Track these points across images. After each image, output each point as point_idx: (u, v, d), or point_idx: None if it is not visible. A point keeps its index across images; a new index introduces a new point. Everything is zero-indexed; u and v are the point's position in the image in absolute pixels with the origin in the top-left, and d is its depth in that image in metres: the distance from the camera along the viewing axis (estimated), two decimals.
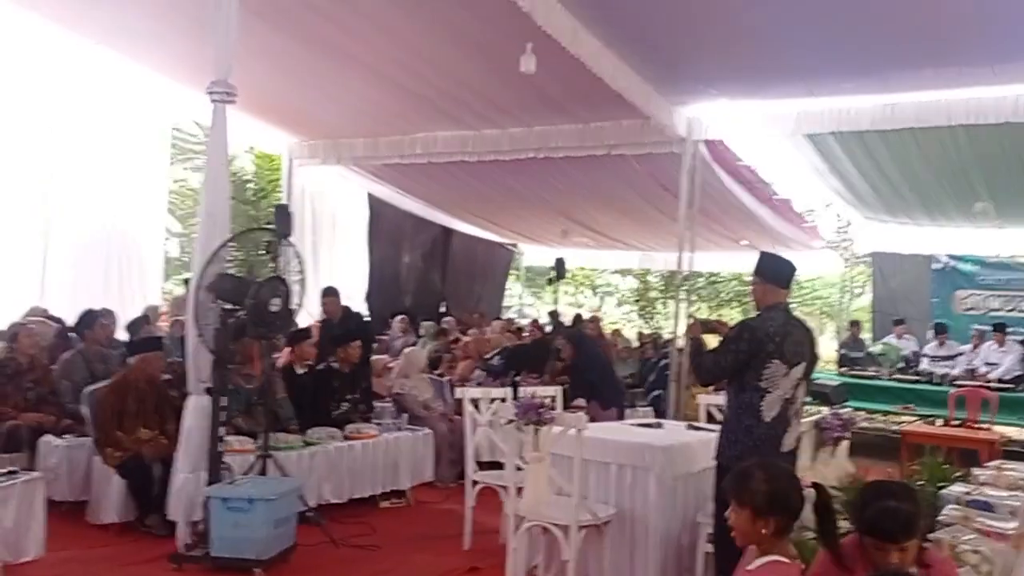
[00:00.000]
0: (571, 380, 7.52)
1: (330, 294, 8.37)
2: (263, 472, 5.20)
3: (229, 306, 4.82)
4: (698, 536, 4.54)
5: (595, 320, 9.60)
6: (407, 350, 7.94)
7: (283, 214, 5.46)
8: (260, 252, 5.30)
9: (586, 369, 7.39)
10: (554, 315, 9.91)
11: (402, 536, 5.64)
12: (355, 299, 12.07)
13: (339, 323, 7.86)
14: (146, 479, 5.19)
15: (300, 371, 6.58)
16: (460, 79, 7.92)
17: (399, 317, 11.60)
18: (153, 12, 7.02)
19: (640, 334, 13.13)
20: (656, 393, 9.49)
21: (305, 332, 7.01)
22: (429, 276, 14.22)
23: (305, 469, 5.63)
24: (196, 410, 4.78)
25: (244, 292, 4.89)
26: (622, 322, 20.37)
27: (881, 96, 7.41)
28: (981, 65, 6.61)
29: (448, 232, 14.22)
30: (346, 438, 6.09)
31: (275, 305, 4.99)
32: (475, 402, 5.49)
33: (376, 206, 12.60)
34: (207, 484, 4.68)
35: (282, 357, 6.81)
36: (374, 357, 7.94)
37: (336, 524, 5.54)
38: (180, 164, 15.11)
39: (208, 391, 4.76)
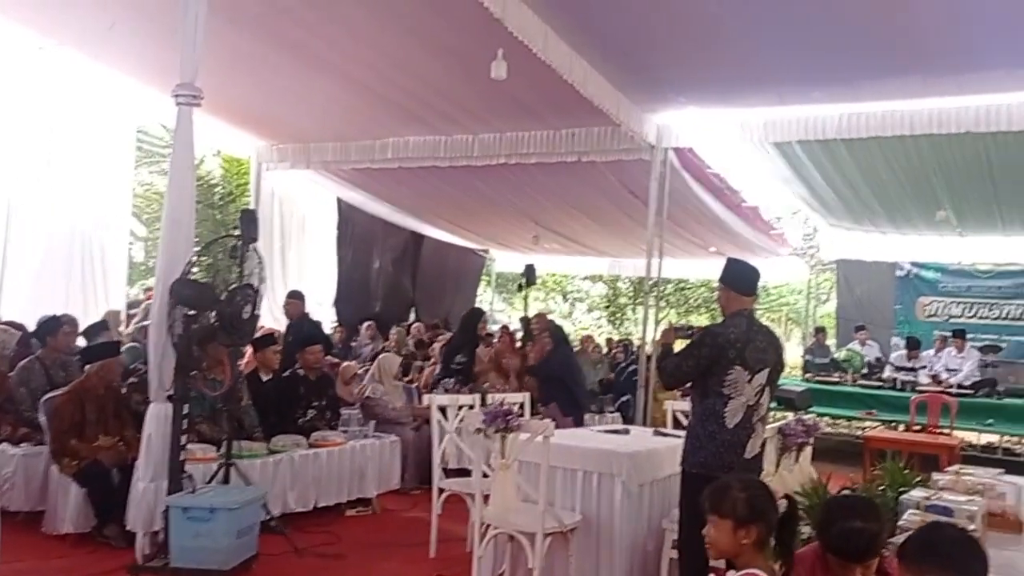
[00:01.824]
0: (538, 378, 7.54)
1: (292, 297, 8.31)
2: (226, 481, 5.12)
3: (192, 312, 4.76)
4: (663, 542, 4.54)
5: (544, 316, 9.53)
6: (380, 356, 7.87)
7: (249, 219, 5.38)
8: (226, 257, 5.24)
9: (558, 370, 7.38)
10: (525, 321, 9.92)
11: (368, 544, 5.59)
12: (324, 305, 12.01)
13: (293, 327, 7.82)
14: (105, 486, 5.09)
15: (265, 378, 6.51)
16: (431, 84, 7.91)
17: (367, 323, 11.53)
18: (118, 14, 6.92)
19: (609, 340, 13.17)
20: (624, 399, 9.53)
21: (270, 338, 6.94)
22: (399, 282, 14.15)
23: (269, 477, 5.56)
24: (158, 418, 4.70)
25: (209, 298, 4.86)
26: (592, 328, 20.44)
27: (848, 105, 7.51)
28: (945, 76, 6.72)
29: (419, 237, 14.17)
30: (311, 445, 6.02)
31: (247, 312, 5.00)
32: (443, 409, 5.47)
33: (346, 211, 12.55)
34: (168, 493, 4.61)
35: (246, 363, 6.73)
36: (343, 364, 7.88)
37: (301, 533, 5.48)
38: (146, 167, 14.95)
39: (169, 398, 4.69)
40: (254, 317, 5.11)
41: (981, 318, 12.43)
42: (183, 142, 4.98)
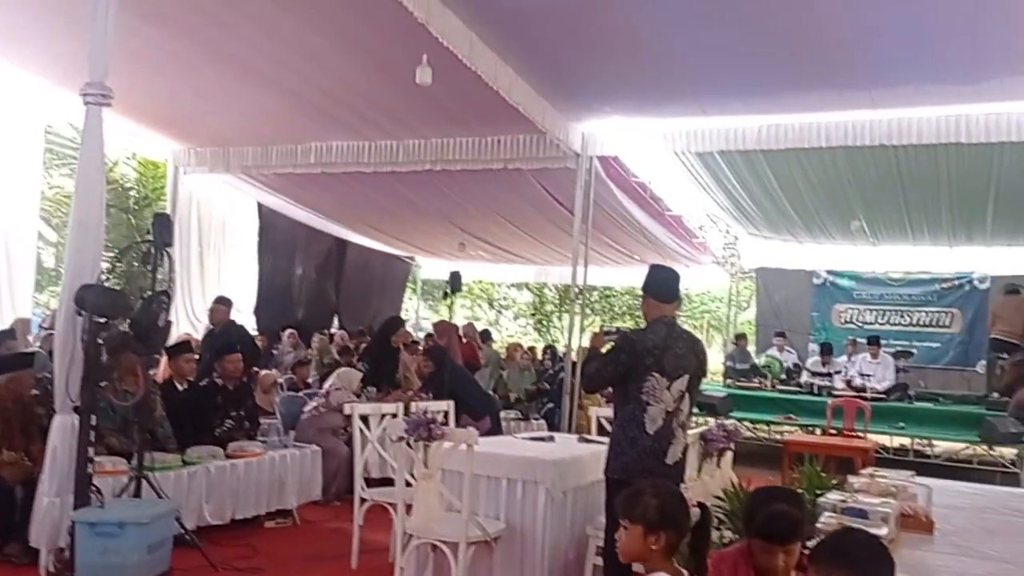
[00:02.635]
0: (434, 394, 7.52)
1: (219, 302, 8.07)
2: (137, 494, 4.93)
3: (102, 319, 4.56)
4: (587, 549, 4.54)
5: (444, 323, 9.39)
6: (341, 370, 7.68)
7: (162, 224, 5.21)
8: (139, 264, 5.07)
9: (447, 388, 7.34)
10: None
11: (287, 557, 5.45)
12: (244, 312, 11.74)
13: (219, 335, 7.58)
14: (7, 503, 4.84)
15: (181, 387, 6.30)
16: (355, 88, 7.80)
17: (289, 331, 11.31)
18: (24, 9, 6.64)
19: (531, 348, 13.20)
20: (550, 406, 9.56)
21: (186, 346, 6.73)
22: (323, 289, 13.94)
23: (184, 489, 5.37)
24: (63, 429, 4.49)
25: (123, 306, 4.70)
26: (518, 335, 20.50)
27: (767, 117, 7.69)
28: (859, 90, 6.94)
29: (343, 243, 14.00)
30: (228, 456, 5.84)
31: (162, 320, 4.84)
32: (365, 418, 5.38)
33: (267, 216, 12.32)
34: (74, 508, 4.40)
35: (160, 372, 6.51)
36: (262, 372, 7.69)
37: (217, 547, 5.31)
38: (56, 169, 14.38)
39: (76, 409, 4.49)
40: (168, 324, 4.95)
41: (893, 324, 12.87)
42: (92, 143, 4.78)
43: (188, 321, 10.60)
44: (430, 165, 9.11)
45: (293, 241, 13.05)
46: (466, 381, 7.77)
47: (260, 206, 12.14)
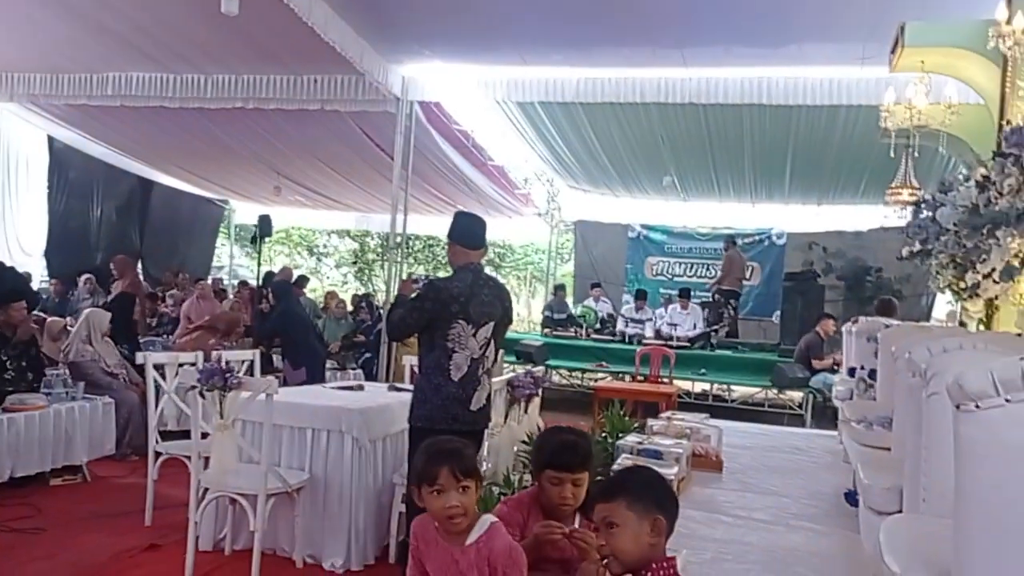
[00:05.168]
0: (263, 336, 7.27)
1: None
2: None
3: None
4: (393, 497, 4.51)
5: (122, 258, 9.07)
6: (88, 311, 7.12)
7: None
8: None
9: (276, 326, 7.13)
10: (269, 275, 9.51)
11: (74, 516, 5.07)
12: (34, 255, 10.81)
13: None
14: None
15: None
16: (158, 15, 7.27)
17: (86, 276, 10.49)
18: None
19: (355, 296, 12.97)
20: (368, 355, 9.44)
21: None
22: (125, 232, 13.02)
23: None
24: None
25: None
26: (339, 284, 20.09)
27: (585, 70, 7.81)
28: (671, 48, 7.15)
29: (147, 184, 13.11)
30: (6, 410, 5.35)
31: None
32: (160, 368, 5.06)
33: (60, 151, 11.32)
34: None
35: None
36: (49, 319, 7.07)
37: None
38: None
39: None
40: None
41: (700, 276, 13.59)
42: None
43: None
44: (241, 103, 8.66)
45: (90, 179, 12.07)
46: (298, 326, 7.47)
47: (51, 140, 11.13)
